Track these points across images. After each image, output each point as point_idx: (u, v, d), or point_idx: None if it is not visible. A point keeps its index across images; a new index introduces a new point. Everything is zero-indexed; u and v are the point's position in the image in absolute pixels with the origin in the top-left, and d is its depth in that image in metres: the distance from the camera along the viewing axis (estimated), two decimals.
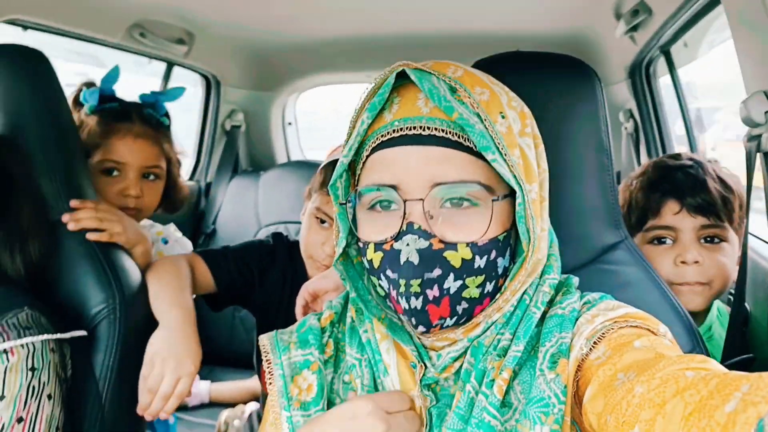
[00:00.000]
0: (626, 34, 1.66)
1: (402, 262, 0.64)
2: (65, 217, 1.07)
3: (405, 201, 0.64)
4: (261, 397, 1.56)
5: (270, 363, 0.76)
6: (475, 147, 0.65)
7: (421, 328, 0.66)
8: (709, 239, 1.13)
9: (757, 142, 0.93)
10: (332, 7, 1.83)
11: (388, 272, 0.66)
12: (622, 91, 2.11)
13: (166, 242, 1.49)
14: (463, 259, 0.64)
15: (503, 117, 0.67)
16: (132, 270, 1.12)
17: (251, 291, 1.34)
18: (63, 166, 1.09)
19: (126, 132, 1.34)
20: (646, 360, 0.56)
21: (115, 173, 1.33)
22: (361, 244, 0.70)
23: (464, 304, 0.66)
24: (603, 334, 0.64)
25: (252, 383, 2.01)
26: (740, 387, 0.43)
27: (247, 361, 2.19)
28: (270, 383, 0.75)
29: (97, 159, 1.32)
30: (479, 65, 1.04)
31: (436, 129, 0.65)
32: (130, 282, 1.09)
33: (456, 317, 0.67)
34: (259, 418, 1.69)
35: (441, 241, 0.64)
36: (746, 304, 1.05)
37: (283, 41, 2.23)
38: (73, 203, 1.08)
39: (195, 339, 1.07)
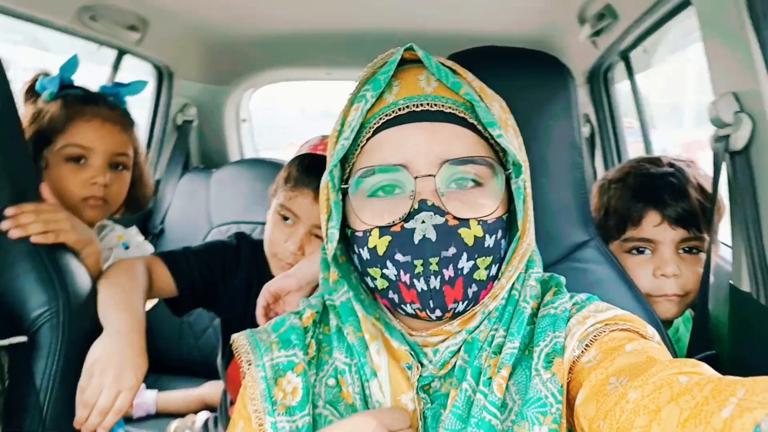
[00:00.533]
0: (589, 39, 1.68)
1: (417, 241, 0.62)
2: (5, 225, 0.97)
3: (416, 178, 0.63)
4: (221, 403, 1.48)
5: (250, 364, 0.71)
6: (479, 125, 0.66)
7: (437, 312, 0.64)
8: (687, 250, 1.11)
9: (724, 143, 0.94)
10: (292, 0, 1.79)
11: (398, 256, 0.64)
12: (579, 96, 2.14)
13: (127, 247, 1.40)
14: (475, 237, 0.64)
15: (492, 105, 0.69)
16: (78, 271, 1.04)
17: (215, 293, 1.30)
18: (2, 154, 0.99)
19: (93, 115, 1.25)
20: (638, 364, 0.56)
21: (82, 161, 1.24)
22: (359, 234, 0.67)
23: (474, 287, 0.65)
24: (594, 337, 0.64)
25: (202, 391, 1.91)
26: (736, 392, 0.43)
27: (196, 369, 2.11)
28: (251, 387, 0.70)
29: (60, 145, 1.22)
30: (454, 58, 1.02)
31: (443, 106, 0.66)
32: (76, 284, 1.01)
33: (467, 302, 0.65)
34: (216, 425, 1.62)
35: (455, 218, 0.63)
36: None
37: (241, 34, 2.16)
38: (9, 211, 0.98)
39: (141, 348, 1.00)
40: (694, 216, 1.08)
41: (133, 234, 1.45)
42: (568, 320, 0.68)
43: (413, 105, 0.66)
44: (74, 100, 1.26)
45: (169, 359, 2.09)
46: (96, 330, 1.01)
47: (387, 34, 2.09)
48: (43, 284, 0.97)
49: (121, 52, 2.00)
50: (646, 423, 0.48)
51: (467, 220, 0.64)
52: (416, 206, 0.63)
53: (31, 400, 0.91)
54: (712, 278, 1.05)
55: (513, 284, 0.70)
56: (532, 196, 0.78)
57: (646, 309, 0.97)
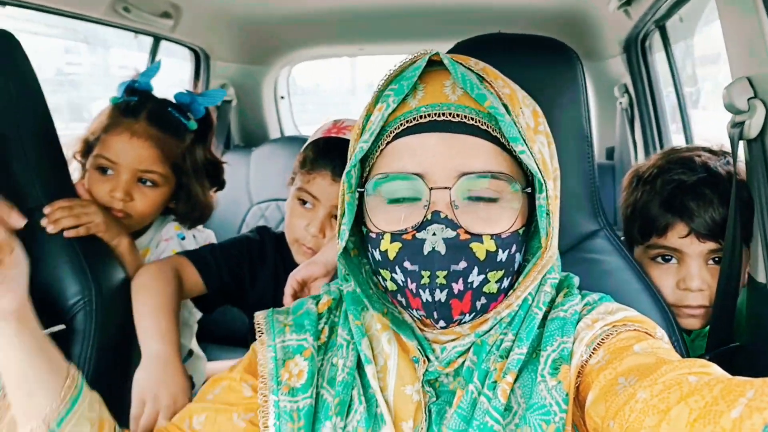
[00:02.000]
0: (620, 9, 1.61)
1: (426, 253, 0.62)
2: (43, 221, 1.05)
3: (431, 189, 0.63)
4: None
5: (263, 344, 0.76)
6: (502, 138, 0.65)
7: (441, 323, 0.65)
8: (717, 260, 1.04)
9: (740, 130, 0.90)
10: None
11: (406, 264, 0.64)
12: (617, 65, 2.06)
13: (183, 237, 1.40)
14: (487, 252, 0.63)
15: (522, 113, 0.67)
16: (110, 262, 1.12)
17: (243, 290, 1.31)
18: (36, 152, 1.07)
19: (124, 129, 1.24)
20: (647, 364, 0.56)
21: (110, 172, 1.24)
22: (373, 235, 0.68)
23: (483, 300, 0.66)
24: (602, 339, 0.64)
25: None
26: (745, 392, 0.44)
27: (242, 339, 2.20)
28: (262, 365, 0.74)
29: (95, 153, 1.25)
30: (460, 47, 1.01)
31: (465, 117, 0.64)
32: (108, 273, 1.09)
33: (474, 313, 0.66)
34: None
35: (467, 232, 0.63)
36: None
37: (273, 13, 2.18)
38: (46, 209, 1.05)
39: (182, 371, 1.03)
40: (723, 227, 0.99)
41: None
42: (578, 323, 0.68)
43: (435, 113, 0.64)
44: (119, 110, 1.27)
45: (215, 329, 2.18)
46: (125, 316, 1.09)
47: (417, 8, 2.07)
48: (76, 275, 1.05)
49: (157, 39, 2.06)
50: (655, 423, 0.48)
51: (480, 235, 0.63)
52: (429, 217, 0.62)
53: None
54: (745, 276, 0.99)
55: None
56: None
57: (656, 299, 0.96)
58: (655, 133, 1.99)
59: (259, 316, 0.80)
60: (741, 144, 0.94)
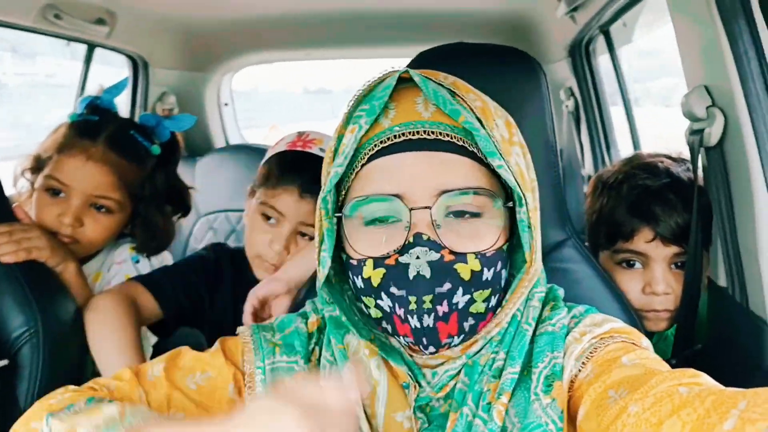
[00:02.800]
0: (567, 14, 1.64)
1: (412, 277, 0.61)
2: None
3: (411, 210, 0.61)
4: None
5: (251, 364, 0.72)
6: (478, 152, 0.63)
7: (431, 349, 0.63)
8: (680, 265, 1.06)
9: (699, 137, 0.93)
10: None
11: (393, 289, 0.62)
12: (562, 69, 2.11)
13: (137, 261, 1.31)
14: (472, 271, 0.62)
15: (496, 125, 0.66)
16: (55, 288, 1.04)
17: (202, 311, 1.26)
18: None
19: (80, 151, 1.16)
20: (636, 376, 0.56)
21: (61, 195, 1.17)
22: (354, 262, 0.65)
23: (471, 321, 0.64)
24: (591, 353, 0.64)
25: None
26: (737, 404, 0.43)
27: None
28: (249, 387, 0.70)
29: (45, 174, 1.17)
30: (424, 56, 1.00)
31: (440, 134, 0.63)
32: (56, 303, 1.01)
33: (463, 335, 0.64)
34: None
35: (452, 252, 0.61)
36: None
37: (215, 18, 2.11)
38: None
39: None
40: (688, 231, 1.01)
41: None
42: (566, 336, 0.67)
43: (409, 132, 0.63)
44: (76, 129, 1.20)
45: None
46: (74, 346, 1.01)
47: (364, 12, 2.05)
48: (20, 305, 0.97)
49: (92, 46, 1.95)
50: None
51: (464, 254, 0.62)
52: (411, 239, 0.61)
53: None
54: (705, 278, 1.02)
55: None
56: None
57: (623, 307, 0.97)
58: (601, 135, 2.04)
59: (245, 334, 0.75)
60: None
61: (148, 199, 1.26)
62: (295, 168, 1.18)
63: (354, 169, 0.66)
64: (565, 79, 2.14)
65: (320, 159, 1.15)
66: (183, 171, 2.27)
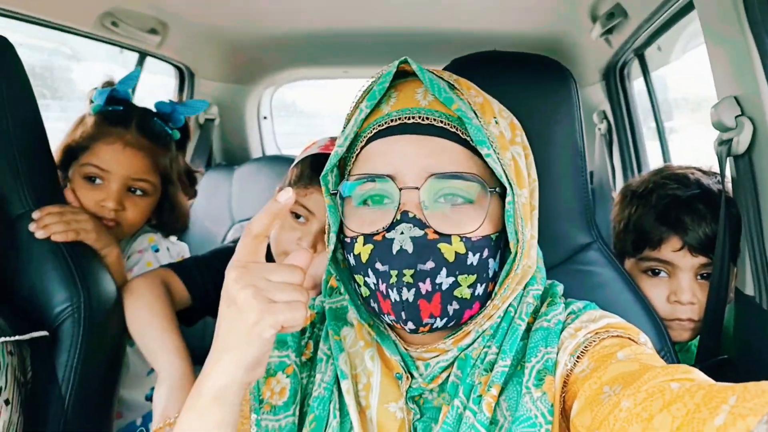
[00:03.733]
0: (602, 37, 1.67)
1: (395, 252, 0.63)
2: (32, 226, 1.03)
3: (401, 189, 0.63)
4: None
5: None
6: (471, 141, 0.65)
7: (410, 325, 0.64)
8: (706, 275, 1.06)
9: (727, 146, 0.94)
10: (309, 1, 1.81)
11: (378, 265, 0.64)
12: (596, 92, 2.13)
13: (157, 250, 1.39)
14: (456, 253, 0.63)
15: (496, 122, 0.68)
16: (99, 270, 1.09)
17: None
18: (25, 159, 1.04)
19: (116, 138, 1.24)
20: (630, 372, 0.56)
21: (98, 181, 1.24)
22: (348, 240, 0.68)
23: (455, 305, 0.65)
24: (586, 347, 0.64)
25: None
26: (727, 399, 0.43)
27: None
28: None
29: (82, 162, 1.24)
30: (456, 63, 1.04)
31: (434, 119, 0.65)
32: (97, 281, 1.06)
33: (446, 319, 0.65)
34: None
35: (436, 232, 0.63)
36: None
37: (259, 34, 2.20)
38: (35, 214, 1.04)
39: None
40: (715, 242, 1.01)
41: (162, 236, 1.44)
42: (561, 332, 0.68)
43: (405, 117, 0.66)
44: (106, 119, 1.27)
45: (193, 348, 2.14)
46: (113, 324, 1.06)
47: (401, 33, 2.11)
48: (65, 282, 1.02)
49: (143, 55, 2.06)
50: None
51: (449, 235, 0.63)
52: (398, 217, 0.63)
53: (53, 391, 0.96)
54: (732, 290, 1.02)
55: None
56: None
57: (648, 311, 0.98)
58: (633, 158, 2.05)
59: None
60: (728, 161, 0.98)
61: (175, 182, 1.35)
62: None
63: (355, 152, 0.70)
64: (599, 102, 2.16)
65: None
66: (220, 178, 2.39)
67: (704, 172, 1.12)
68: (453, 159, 0.65)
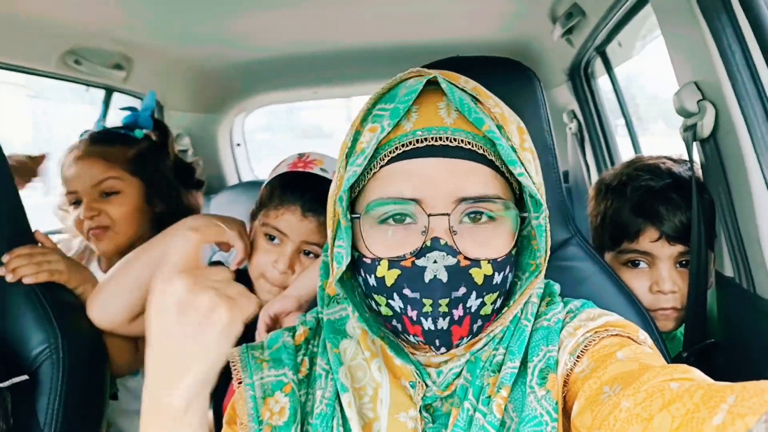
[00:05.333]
0: (563, 37, 1.70)
1: (428, 280, 0.61)
2: (0, 271, 1.02)
3: (429, 216, 0.61)
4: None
5: (241, 383, 0.72)
6: (496, 161, 0.64)
7: (442, 350, 0.64)
8: (685, 264, 1.07)
9: (693, 132, 0.95)
10: (274, 23, 1.81)
11: (406, 291, 0.63)
12: (563, 93, 2.16)
13: None
14: (485, 276, 0.63)
15: (512, 132, 0.67)
16: (75, 308, 1.07)
17: None
18: None
19: (74, 159, 1.32)
20: (630, 372, 0.56)
21: (80, 202, 1.32)
22: (368, 261, 0.66)
23: (479, 322, 0.65)
24: (585, 346, 0.64)
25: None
26: (726, 398, 0.44)
27: None
28: (240, 405, 0.70)
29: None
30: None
31: (462, 141, 0.63)
32: (74, 320, 1.04)
33: (471, 336, 0.65)
34: None
35: (466, 258, 0.62)
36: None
37: (225, 61, 2.20)
38: (5, 258, 1.03)
39: None
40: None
41: None
42: (561, 331, 0.68)
43: (431, 138, 0.63)
44: (78, 145, 1.36)
45: None
46: (92, 363, 1.03)
47: (368, 49, 2.13)
48: (41, 323, 1.00)
49: (110, 91, 2.04)
50: None
51: (478, 260, 0.62)
52: (429, 243, 0.61)
53: None
54: (711, 275, 1.03)
55: None
56: None
57: (632, 301, 0.98)
58: (606, 154, 2.07)
59: (234, 353, 0.75)
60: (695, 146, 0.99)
61: (150, 171, 1.39)
62: (297, 188, 1.19)
63: (372, 169, 0.66)
64: (567, 102, 2.19)
65: (321, 179, 1.20)
66: None
67: (675, 161, 1.13)
68: (481, 181, 0.63)
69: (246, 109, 2.73)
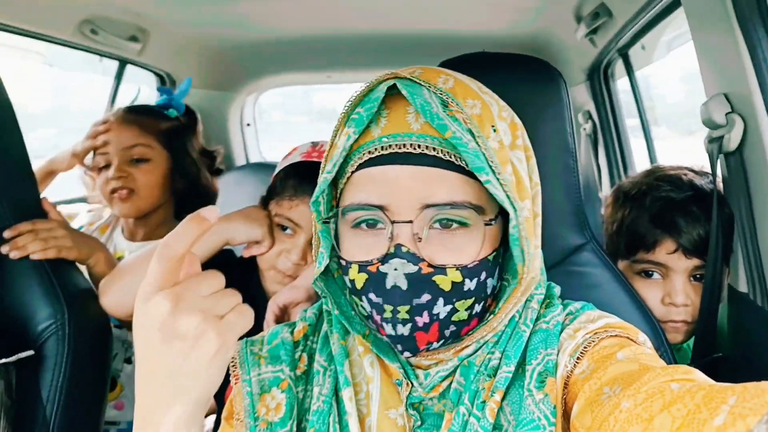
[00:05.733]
0: (587, 37, 1.68)
1: (389, 287, 0.61)
2: (4, 248, 1.00)
3: (393, 222, 0.61)
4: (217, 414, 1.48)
5: (238, 378, 0.72)
6: (466, 166, 0.62)
7: (407, 354, 0.63)
8: (699, 277, 1.06)
9: (718, 144, 0.94)
10: (291, 5, 1.79)
11: (372, 296, 0.63)
12: (581, 92, 2.14)
13: None
14: (453, 283, 0.62)
15: (494, 131, 0.65)
16: (82, 283, 1.06)
17: None
18: (3, 173, 1.01)
19: (110, 123, 1.39)
20: (630, 372, 0.56)
21: (107, 166, 1.38)
22: (344, 263, 0.66)
23: (452, 327, 0.64)
24: (585, 348, 0.64)
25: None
26: (727, 399, 0.43)
27: None
28: (237, 401, 0.70)
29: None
30: (446, 65, 1.02)
31: (427, 147, 0.62)
32: (81, 296, 1.03)
33: (443, 340, 0.65)
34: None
35: (430, 265, 0.61)
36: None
37: (241, 40, 2.17)
38: (6, 233, 1.01)
39: None
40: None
41: None
42: (561, 333, 0.67)
43: (396, 145, 0.63)
44: (114, 111, 1.44)
45: None
46: (98, 340, 1.03)
47: (385, 36, 2.10)
48: (48, 298, 0.99)
49: (123, 63, 2.03)
50: None
51: (443, 267, 0.62)
52: (392, 250, 0.61)
53: (39, 413, 0.93)
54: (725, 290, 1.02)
55: None
56: None
57: (643, 310, 0.97)
58: (619, 158, 2.05)
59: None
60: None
61: (180, 149, 1.47)
62: (311, 178, 1.17)
63: (346, 174, 0.67)
64: (583, 102, 2.16)
65: None
66: None
67: (696, 173, 1.11)
68: (448, 187, 0.62)
69: (258, 89, 2.70)
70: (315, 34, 2.10)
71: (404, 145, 0.62)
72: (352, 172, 0.66)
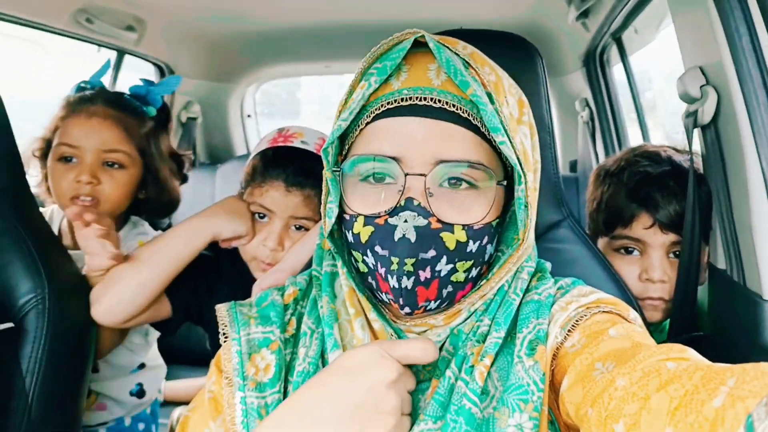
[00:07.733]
0: (578, 20, 1.66)
1: (397, 239, 0.62)
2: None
3: (406, 175, 0.62)
4: None
5: (228, 337, 0.72)
6: (482, 127, 0.63)
7: (406, 309, 0.64)
8: (678, 253, 1.05)
9: (694, 118, 0.93)
10: None
11: (377, 248, 0.64)
12: (577, 80, 2.12)
13: None
14: (457, 242, 0.63)
15: (506, 102, 0.66)
16: (65, 260, 1.08)
17: (202, 308, 1.26)
18: None
19: (82, 112, 1.23)
20: (623, 349, 0.56)
21: (74, 160, 1.22)
22: (347, 216, 0.67)
23: (449, 288, 0.65)
24: (577, 321, 0.64)
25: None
26: (726, 380, 0.43)
27: (204, 359, 2.13)
28: (225, 359, 0.71)
29: (55, 144, 1.23)
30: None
31: (446, 103, 0.63)
32: (63, 271, 1.05)
33: (440, 301, 0.66)
34: None
35: (439, 221, 0.62)
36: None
37: (240, 30, 2.19)
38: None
39: None
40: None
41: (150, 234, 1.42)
42: (552, 306, 0.68)
43: (416, 97, 0.63)
44: (73, 100, 1.26)
45: (178, 350, 2.13)
46: (79, 316, 1.04)
47: (381, 24, 2.10)
48: (29, 272, 1.00)
49: (121, 53, 2.04)
50: (635, 410, 0.47)
51: (451, 225, 0.63)
52: (402, 203, 0.62)
53: (17, 384, 0.94)
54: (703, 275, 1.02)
55: None
56: None
57: (620, 286, 0.97)
58: (616, 145, 2.04)
59: (221, 309, 0.76)
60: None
61: (155, 156, 1.32)
62: (278, 163, 1.17)
63: (359, 126, 0.67)
64: (580, 90, 2.15)
65: (303, 152, 1.18)
66: (204, 177, 2.37)
67: (677, 150, 1.11)
68: (463, 146, 0.63)
69: (257, 79, 2.72)
70: (312, 23, 2.11)
71: (424, 98, 0.63)
72: (367, 123, 0.65)
